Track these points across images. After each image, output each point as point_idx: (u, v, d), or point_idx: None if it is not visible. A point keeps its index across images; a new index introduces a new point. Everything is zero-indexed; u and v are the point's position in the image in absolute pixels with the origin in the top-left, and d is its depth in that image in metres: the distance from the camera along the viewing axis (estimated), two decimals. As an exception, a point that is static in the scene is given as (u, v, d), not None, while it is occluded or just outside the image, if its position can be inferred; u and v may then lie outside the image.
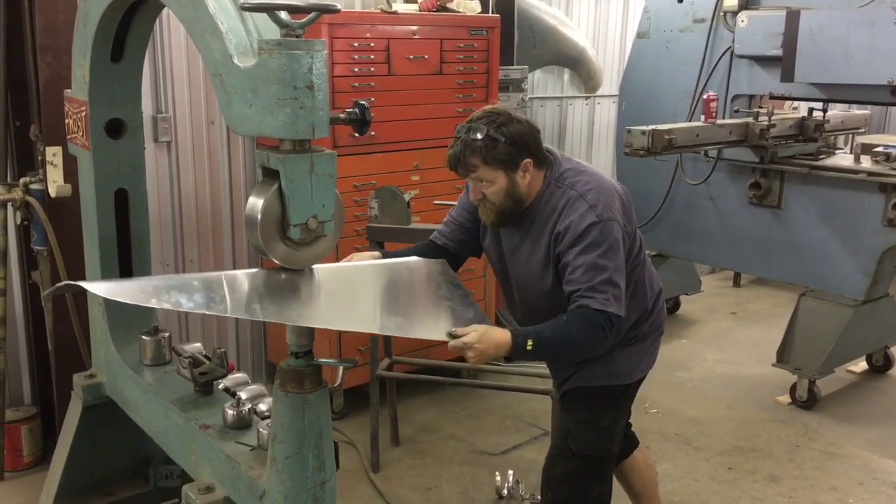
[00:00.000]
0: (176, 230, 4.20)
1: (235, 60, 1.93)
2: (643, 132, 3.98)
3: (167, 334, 2.93)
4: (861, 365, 5.06)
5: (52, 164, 3.35)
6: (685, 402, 4.59)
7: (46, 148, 3.36)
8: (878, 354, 5.02)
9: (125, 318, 2.97)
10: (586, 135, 6.07)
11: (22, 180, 3.44)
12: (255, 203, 1.93)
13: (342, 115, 2.05)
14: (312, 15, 1.91)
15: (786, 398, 4.59)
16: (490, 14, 4.51)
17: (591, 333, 2.31)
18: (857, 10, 4.09)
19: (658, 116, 4.98)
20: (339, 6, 1.96)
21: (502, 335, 2.27)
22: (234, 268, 4.38)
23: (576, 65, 5.66)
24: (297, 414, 2.05)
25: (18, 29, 3.47)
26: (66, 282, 2.66)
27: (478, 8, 4.44)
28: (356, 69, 3.91)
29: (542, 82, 5.73)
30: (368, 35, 3.94)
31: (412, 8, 4.28)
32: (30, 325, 3.82)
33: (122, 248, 2.98)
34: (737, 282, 6.84)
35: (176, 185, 4.16)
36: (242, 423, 2.43)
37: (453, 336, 2.23)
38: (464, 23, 4.31)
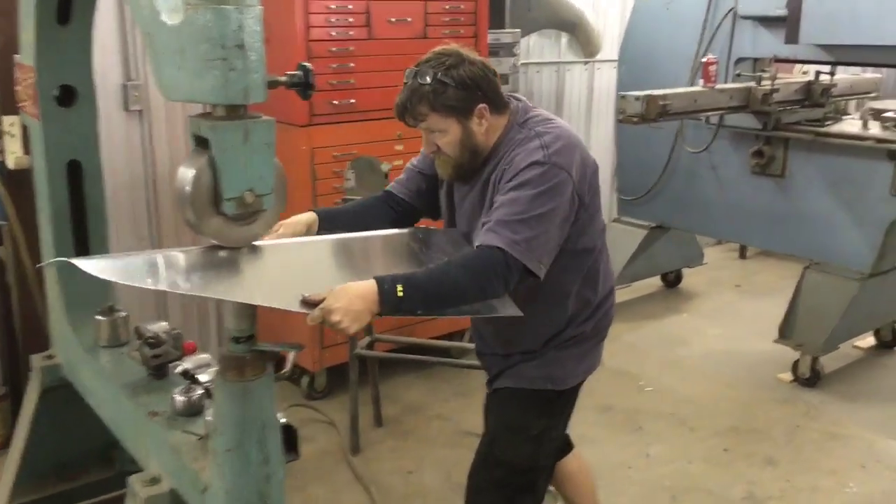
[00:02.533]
0: (150, 204, 4.04)
1: (163, 17, 1.74)
2: (637, 98, 3.77)
3: (124, 314, 2.78)
4: (868, 340, 4.87)
5: (9, 134, 3.21)
6: (682, 379, 4.43)
7: (3, 118, 3.20)
8: (885, 329, 4.82)
9: (82, 296, 2.82)
10: (585, 101, 5.85)
11: (-20, 150, 3.29)
12: (185, 174, 1.76)
13: (283, 78, 1.86)
14: (243, -34, 1.72)
15: (788, 376, 4.41)
16: (479, -25, 4.28)
17: (481, 275, 1.99)
18: (867, -34, 3.85)
19: (658, 82, 4.73)
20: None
21: (365, 285, 1.89)
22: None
23: (574, 28, 5.44)
24: (238, 403, 1.89)
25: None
26: (58, 258, 2.49)
27: (465, -32, 4.22)
28: (333, 33, 3.71)
29: (538, 47, 5.50)
30: (346, -3, 3.73)
31: (395, -32, 4.06)
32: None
33: (77, 223, 2.83)
34: (743, 254, 6.63)
35: (149, 156, 3.99)
36: (193, 410, 2.28)
37: (308, 303, 1.87)
38: (449, -17, 4.09)
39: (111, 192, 3.85)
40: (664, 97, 3.77)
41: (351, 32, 3.76)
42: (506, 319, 2.23)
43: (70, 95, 2.72)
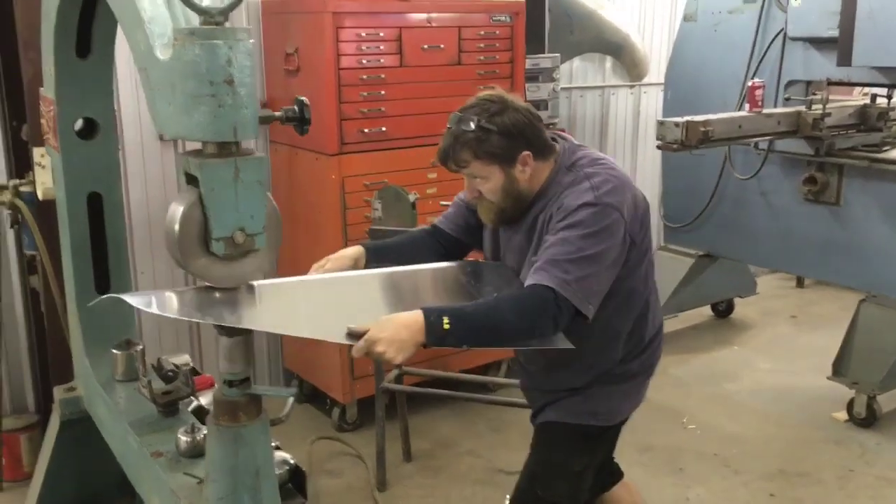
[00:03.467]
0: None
1: (157, 53, 1.70)
2: (676, 124, 3.63)
3: (140, 347, 2.74)
4: (931, 378, 4.58)
5: (39, 165, 3.22)
6: (729, 417, 4.22)
7: (35, 149, 3.22)
8: (950, 367, 4.53)
9: (101, 329, 2.80)
10: (631, 126, 5.70)
11: (11, 182, 3.31)
12: (174, 212, 1.71)
13: (278, 114, 1.80)
14: (233, 1, 1.67)
15: (842, 415, 4.17)
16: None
17: (530, 313, 1.95)
18: (923, -16, 3.65)
19: (706, 106, 4.57)
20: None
21: (410, 315, 1.88)
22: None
23: (618, 52, 5.31)
24: (230, 450, 1.82)
25: (10, 26, 3.34)
26: (110, 295, 2.47)
27: (501, -8, 4.15)
28: (364, 61, 3.66)
29: (582, 71, 5.39)
30: (377, 24, 3.68)
31: (429, -6, 4.01)
32: (32, 331, 3.72)
33: (98, 255, 2.82)
34: (800, 282, 6.36)
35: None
36: (197, 451, 2.21)
37: (353, 335, 1.86)
38: (484, 9, 4.02)
39: (147, 223, 3.89)
40: (705, 123, 3.62)
41: (382, 60, 3.71)
42: (555, 357, 2.20)
43: (91, 128, 2.71)
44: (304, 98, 1.82)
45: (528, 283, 2.03)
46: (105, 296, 2.14)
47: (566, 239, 2.02)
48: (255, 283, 1.88)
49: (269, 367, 4.43)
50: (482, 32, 4.00)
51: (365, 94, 3.69)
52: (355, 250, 2.31)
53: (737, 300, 5.68)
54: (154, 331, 3.99)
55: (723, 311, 5.68)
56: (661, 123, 3.73)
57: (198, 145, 1.72)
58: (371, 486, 3.53)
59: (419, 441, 3.87)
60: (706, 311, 5.65)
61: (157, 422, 2.43)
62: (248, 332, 1.81)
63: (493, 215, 2.22)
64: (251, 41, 1.68)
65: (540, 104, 4.49)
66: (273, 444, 2.49)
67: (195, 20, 1.69)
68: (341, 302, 2.10)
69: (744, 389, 4.56)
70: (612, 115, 5.58)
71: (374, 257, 2.29)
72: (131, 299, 1.80)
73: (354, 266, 2.24)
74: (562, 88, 5.16)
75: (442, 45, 3.87)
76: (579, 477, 2.31)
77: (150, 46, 1.72)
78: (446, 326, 1.88)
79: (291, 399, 2.01)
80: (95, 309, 2.63)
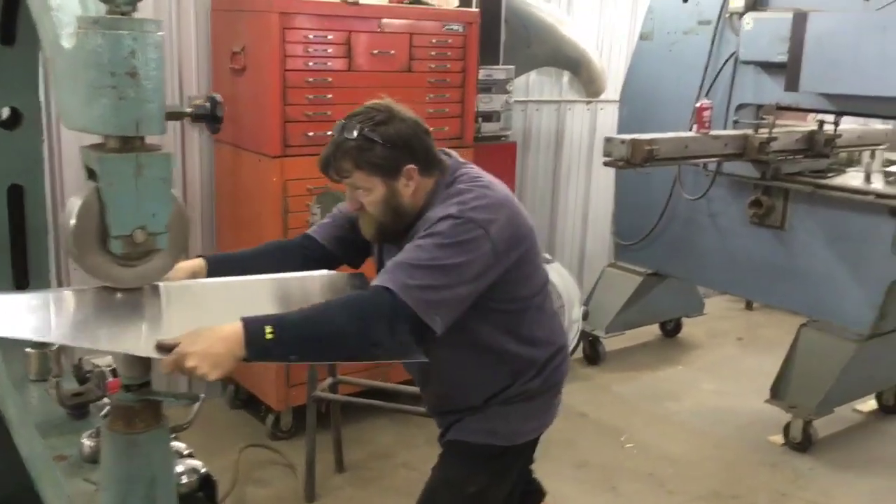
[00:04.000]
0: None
1: (62, 41, 1.63)
2: (622, 141, 3.62)
3: (55, 346, 2.66)
4: (870, 404, 4.62)
5: (-35, 154, 3.11)
6: (668, 437, 4.21)
7: (-39, 137, 3.12)
8: (888, 393, 4.57)
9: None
10: (587, 142, 5.70)
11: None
12: (71, 206, 1.64)
13: (187, 110, 1.74)
14: (141, -12, 1.61)
15: (779, 438, 4.18)
16: (469, 9, 4.17)
17: (362, 315, 1.82)
18: (870, 14, 3.69)
19: (660, 124, 4.57)
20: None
21: (228, 327, 1.72)
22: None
23: (576, 67, 5.30)
24: (123, 457, 1.74)
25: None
26: None
27: (455, 2, 4.12)
28: (311, 63, 3.61)
29: (539, 84, 5.37)
30: (326, 27, 3.63)
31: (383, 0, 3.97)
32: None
33: (17, 251, 2.73)
34: (749, 305, 6.39)
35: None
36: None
37: (163, 348, 1.68)
38: (437, 16, 3.99)
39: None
40: (651, 142, 3.61)
41: (330, 63, 3.66)
42: (444, 380, 2.13)
43: (15, 118, 2.63)
44: (216, 95, 1.77)
45: (370, 285, 1.95)
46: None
47: (420, 246, 1.93)
48: (66, 290, 1.78)
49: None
50: (434, 41, 3.96)
51: (311, 96, 3.64)
52: (193, 262, 2.12)
53: (685, 320, 5.69)
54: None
55: (670, 330, 5.68)
56: (608, 140, 3.73)
57: (100, 138, 1.66)
58: (299, 497, 3.46)
59: (354, 451, 3.80)
60: (654, 330, 5.64)
61: (66, 424, 2.34)
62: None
63: (372, 230, 2.12)
64: (160, 34, 1.62)
65: (493, 115, 4.47)
66: (186, 451, 2.43)
67: (104, 10, 1.64)
68: (160, 313, 1.83)
69: (685, 409, 4.56)
70: (567, 131, 5.58)
71: (215, 270, 2.12)
72: None
73: (191, 279, 2.06)
74: (517, 101, 5.16)
75: (392, 51, 3.83)
76: (475, 498, 2.21)
77: (57, 35, 1.65)
78: (269, 336, 1.73)
79: (197, 405, 1.94)
80: None
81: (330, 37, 3.64)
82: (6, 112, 2.62)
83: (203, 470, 2.32)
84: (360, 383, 3.65)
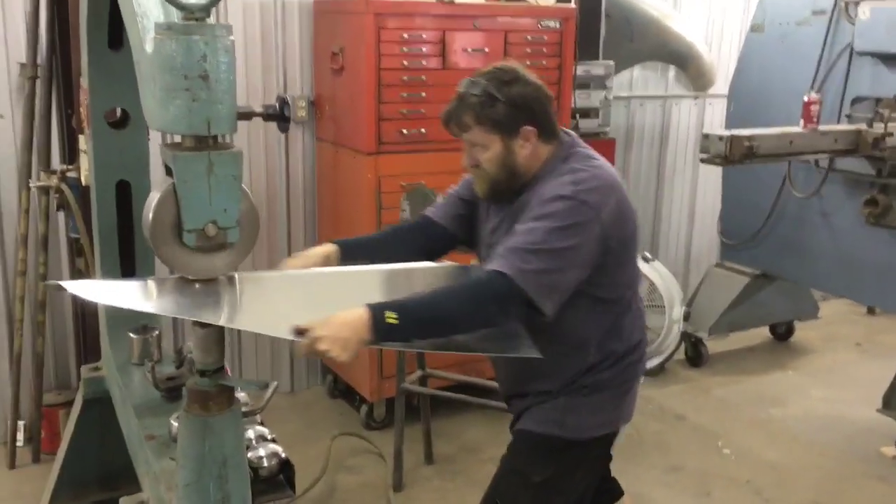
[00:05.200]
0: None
1: (146, 46, 1.75)
2: (720, 137, 3.51)
3: (157, 332, 2.83)
4: None
5: (84, 152, 3.35)
6: (770, 444, 4.05)
7: (81, 137, 3.35)
8: None
9: (122, 312, 2.89)
10: (693, 138, 5.53)
11: (60, 168, 3.46)
12: (150, 200, 1.75)
13: (258, 110, 1.82)
14: (213, -3, 1.70)
15: (891, 450, 3.95)
16: (566, 5, 4.14)
17: (478, 299, 1.89)
18: None
19: (770, 119, 4.40)
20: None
21: (354, 312, 1.81)
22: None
23: (683, 61, 5.17)
24: (198, 438, 1.85)
25: (67, 17, 3.49)
26: (56, 282, 2.56)
27: (552, -2, 4.10)
28: (405, 62, 3.68)
29: (643, 80, 5.27)
30: (420, 26, 3.69)
31: (478, -2, 3.99)
32: (77, 311, 3.86)
33: (125, 242, 2.91)
34: (871, 309, 6.05)
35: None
36: (187, 437, 2.27)
37: (298, 332, 1.78)
38: (532, 13, 3.98)
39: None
40: (751, 138, 3.48)
41: (424, 62, 3.72)
42: (522, 360, 2.11)
43: (123, 118, 2.81)
44: (287, 96, 1.85)
45: (486, 269, 1.99)
46: (49, 282, 2.14)
47: (533, 229, 1.97)
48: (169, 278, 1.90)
49: (306, 360, 4.49)
50: (529, 37, 3.96)
51: (405, 94, 3.71)
52: (327, 247, 2.24)
53: (798, 324, 5.45)
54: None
55: (782, 334, 5.46)
56: (705, 136, 3.62)
57: (178, 137, 1.76)
58: (387, 486, 3.54)
59: (443, 445, 3.86)
60: (763, 333, 5.44)
61: (160, 406, 2.49)
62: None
63: (486, 186, 2.16)
64: (231, 38, 1.71)
65: (590, 112, 4.42)
66: (269, 436, 2.55)
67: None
68: (297, 298, 2.04)
69: (790, 416, 4.37)
70: (673, 127, 5.44)
71: (347, 255, 2.23)
72: (72, 287, 1.81)
73: (325, 263, 2.19)
74: (620, 97, 5.09)
75: (486, 49, 3.85)
76: (540, 489, 2.20)
77: (141, 40, 1.77)
78: (391, 321, 1.82)
79: (270, 390, 2.03)
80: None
81: (424, 36, 3.70)
82: (119, 112, 2.81)
83: (283, 455, 2.43)
84: (450, 377, 3.69)
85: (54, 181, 3.42)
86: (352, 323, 1.81)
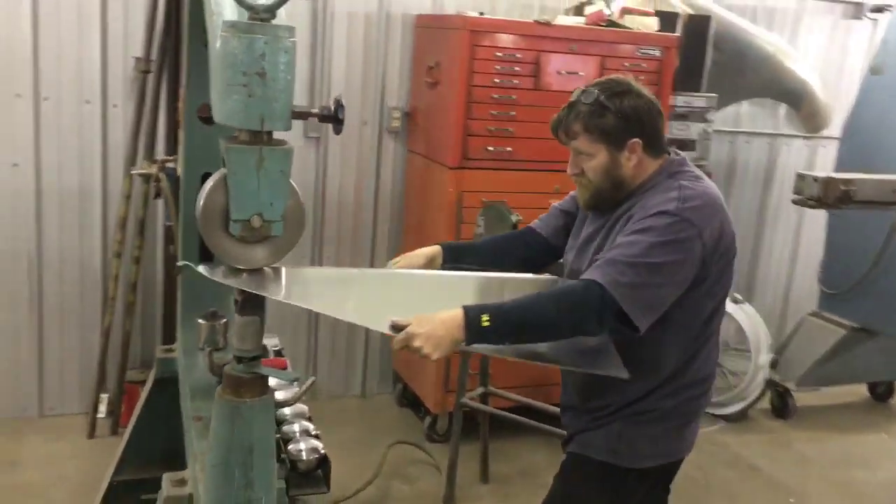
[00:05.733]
0: (316, 225, 4.26)
1: (216, 43, 1.84)
2: (815, 178, 3.37)
3: (224, 320, 2.93)
4: None
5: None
6: (847, 507, 3.83)
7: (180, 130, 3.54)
8: None
9: (196, 298, 3.01)
10: (802, 180, 5.30)
11: (160, 158, 3.65)
12: (203, 189, 1.83)
13: (314, 110, 1.88)
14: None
15: (984, 531, 3.66)
16: (669, 34, 4.06)
17: (573, 308, 1.91)
18: None
19: (883, 166, 4.20)
20: None
21: (450, 312, 1.87)
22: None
23: (797, 100, 4.98)
24: (227, 423, 1.91)
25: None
26: (184, 262, 2.72)
27: (655, 26, 4.04)
28: (496, 80, 3.70)
29: (750, 115, 5.10)
30: (515, 46, 3.71)
31: (579, 21, 3.98)
32: (166, 294, 4.06)
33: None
34: None
35: (321, 180, 4.23)
36: (231, 421, 2.34)
37: (395, 327, 1.87)
38: (633, 40, 3.93)
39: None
40: (848, 181, 3.33)
41: (516, 81, 3.73)
42: (588, 375, 2.14)
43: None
44: (341, 97, 1.89)
45: (581, 278, 2.00)
46: (183, 262, 2.30)
47: (633, 242, 1.96)
48: (329, 269, 1.98)
49: (379, 367, 4.56)
50: (627, 64, 3.91)
51: (494, 112, 3.73)
52: (432, 249, 2.33)
53: (900, 385, 5.13)
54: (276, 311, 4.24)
55: (881, 394, 5.14)
56: (799, 177, 3.49)
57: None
58: (438, 499, 3.54)
59: (501, 465, 3.83)
60: (861, 391, 5.14)
61: (212, 389, 2.54)
62: (261, 313, 1.91)
63: (588, 195, 2.16)
64: (292, 39, 1.77)
65: (687, 144, 4.31)
66: (314, 432, 2.60)
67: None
68: (399, 296, 2.14)
69: (876, 481, 4.11)
70: (780, 167, 5.24)
71: (451, 257, 2.32)
72: (202, 268, 1.94)
73: (429, 264, 2.27)
74: (724, 131, 4.97)
75: (581, 73, 3.83)
76: None
77: (214, 37, 1.86)
78: (485, 324, 1.86)
79: (306, 384, 2.08)
80: (191, 278, 2.88)
81: (518, 55, 3.72)
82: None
83: (322, 451, 2.48)
84: (510, 398, 3.65)
85: (154, 170, 3.60)
86: (447, 322, 1.86)
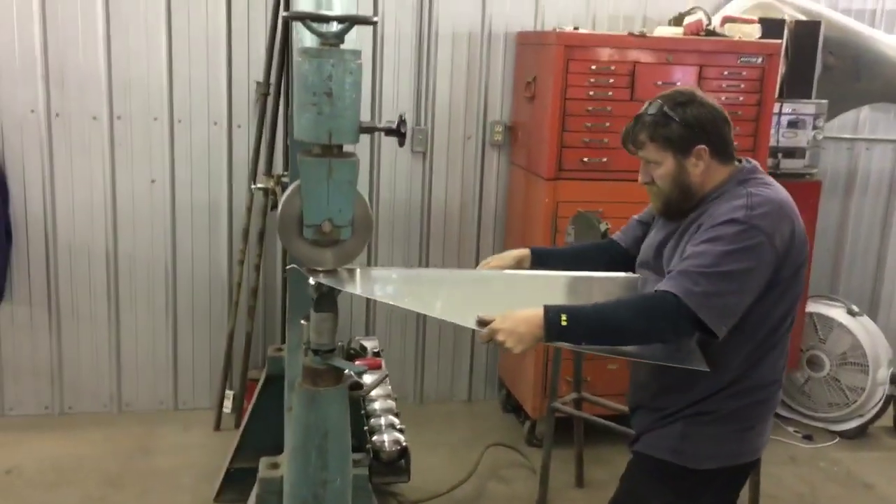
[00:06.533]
0: (423, 235, 4.47)
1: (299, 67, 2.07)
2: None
3: (326, 322, 3.16)
4: None
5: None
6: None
7: (294, 147, 3.83)
8: None
9: (303, 300, 3.24)
10: (929, 190, 5.06)
11: (277, 173, 3.96)
12: (283, 196, 2.05)
13: (380, 125, 2.07)
14: (345, 25, 1.96)
15: None
16: (771, 40, 4.02)
17: (649, 314, 2.01)
18: None
19: None
20: (376, 19, 1.99)
21: (533, 311, 2.00)
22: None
23: (924, 104, 4.77)
24: (305, 409, 2.11)
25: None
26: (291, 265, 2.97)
27: (756, 34, 4.00)
28: (591, 92, 3.79)
29: (872, 121, 4.91)
30: (610, 59, 3.79)
31: (677, 31, 4.00)
32: (285, 298, 4.35)
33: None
34: None
35: (427, 192, 4.43)
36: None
37: (481, 322, 2.03)
38: (733, 49, 3.91)
39: (392, 219, 4.41)
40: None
41: (611, 93, 3.81)
42: (654, 373, 2.24)
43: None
44: (404, 113, 2.07)
45: (655, 289, 2.07)
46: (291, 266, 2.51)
47: (704, 252, 2.03)
48: (420, 270, 2.17)
49: (485, 373, 4.70)
50: (726, 72, 3.90)
51: (589, 124, 3.82)
52: (521, 252, 2.50)
53: None
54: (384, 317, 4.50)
55: None
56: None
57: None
58: (531, 501, 3.64)
59: (597, 470, 3.88)
60: None
61: (309, 385, 2.81)
62: (334, 310, 2.11)
63: (659, 202, 2.26)
64: (358, 62, 1.96)
65: (796, 152, 4.24)
66: (399, 426, 2.79)
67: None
68: (486, 295, 2.32)
69: None
70: (906, 175, 5.02)
71: (539, 261, 2.47)
72: (307, 271, 2.09)
73: (518, 266, 2.44)
74: (843, 139, 4.83)
75: (678, 83, 3.84)
76: None
77: (295, 62, 2.09)
78: (563, 323, 1.98)
79: (377, 377, 2.26)
80: (293, 279, 3.12)
81: (613, 68, 3.79)
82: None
83: (404, 443, 2.66)
84: (602, 403, 3.70)
85: (271, 184, 3.92)
86: (529, 320, 2.00)
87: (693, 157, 2.14)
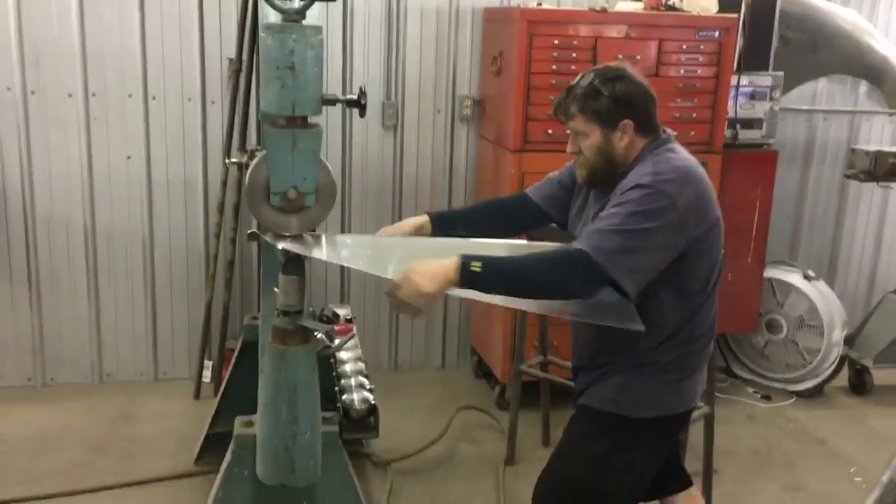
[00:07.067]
0: (395, 208, 4.59)
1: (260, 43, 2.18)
2: (866, 152, 3.41)
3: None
4: None
5: (268, 135, 3.92)
6: (913, 480, 3.82)
7: (267, 121, 3.93)
8: None
9: (275, 269, 3.36)
10: (886, 157, 5.22)
11: (251, 147, 4.06)
12: (250, 167, 2.17)
13: (341, 97, 2.18)
14: (305, 2, 2.08)
15: None
16: (727, 14, 4.15)
17: (559, 268, 2.13)
18: None
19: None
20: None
21: (449, 259, 2.09)
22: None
23: (877, 76, 4.92)
24: (275, 366, 2.25)
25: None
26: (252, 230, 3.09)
27: (714, 8, 4.13)
28: (554, 66, 3.91)
29: (828, 93, 5.06)
30: (572, 34, 3.91)
31: (637, 6, 4.13)
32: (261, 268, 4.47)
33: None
34: None
35: (398, 165, 4.55)
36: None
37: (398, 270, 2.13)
38: (691, 23, 4.04)
39: (363, 193, 4.52)
40: (898, 155, 3.36)
41: (573, 67, 3.92)
42: (600, 336, 2.35)
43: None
44: (364, 86, 2.19)
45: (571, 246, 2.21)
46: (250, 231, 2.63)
47: (613, 213, 2.16)
48: (336, 235, 2.28)
49: (458, 341, 4.85)
50: (685, 46, 4.03)
51: (553, 97, 3.89)
52: (419, 219, 2.57)
53: None
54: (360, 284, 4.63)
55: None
56: (852, 151, 3.54)
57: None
58: (500, 459, 3.80)
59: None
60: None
61: (280, 348, 2.94)
62: (301, 273, 2.24)
63: (585, 172, 2.37)
64: (319, 37, 2.08)
65: (754, 123, 4.38)
66: (369, 386, 2.93)
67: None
68: (394, 255, 2.39)
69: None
70: (861, 144, 5.14)
71: (440, 226, 2.56)
72: (268, 235, 2.24)
73: (417, 234, 2.53)
74: (801, 110, 4.98)
75: (638, 56, 3.98)
76: (599, 462, 2.35)
77: (262, 38, 2.20)
78: (475, 269, 2.08)
79: (351, 335, 2.40)
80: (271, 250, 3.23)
81: (575, 42, 3.91)
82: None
83: (373, 401, 2.80)
84: (569, 366, 3.85)
85: (245, 158, 4.01)
86: (444, 264, 2.10)
87: (619, 130, 2.25)
